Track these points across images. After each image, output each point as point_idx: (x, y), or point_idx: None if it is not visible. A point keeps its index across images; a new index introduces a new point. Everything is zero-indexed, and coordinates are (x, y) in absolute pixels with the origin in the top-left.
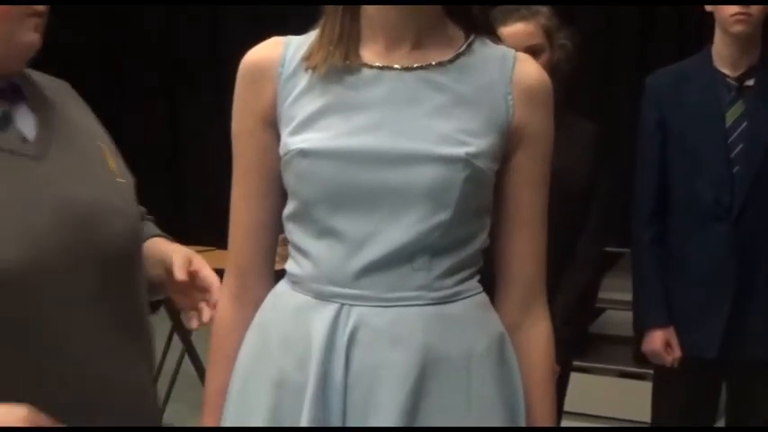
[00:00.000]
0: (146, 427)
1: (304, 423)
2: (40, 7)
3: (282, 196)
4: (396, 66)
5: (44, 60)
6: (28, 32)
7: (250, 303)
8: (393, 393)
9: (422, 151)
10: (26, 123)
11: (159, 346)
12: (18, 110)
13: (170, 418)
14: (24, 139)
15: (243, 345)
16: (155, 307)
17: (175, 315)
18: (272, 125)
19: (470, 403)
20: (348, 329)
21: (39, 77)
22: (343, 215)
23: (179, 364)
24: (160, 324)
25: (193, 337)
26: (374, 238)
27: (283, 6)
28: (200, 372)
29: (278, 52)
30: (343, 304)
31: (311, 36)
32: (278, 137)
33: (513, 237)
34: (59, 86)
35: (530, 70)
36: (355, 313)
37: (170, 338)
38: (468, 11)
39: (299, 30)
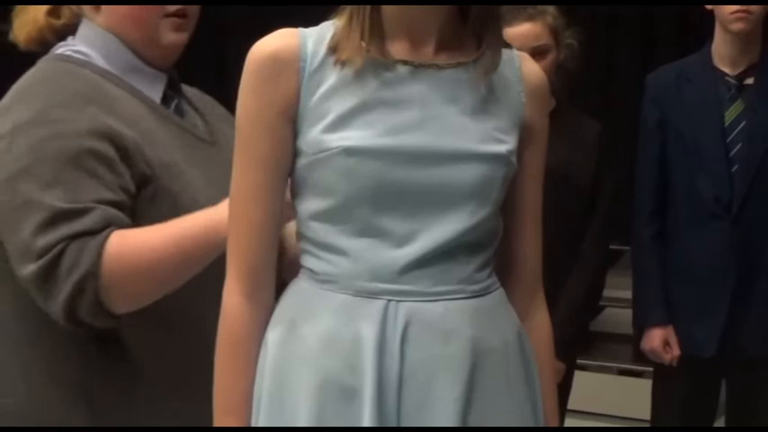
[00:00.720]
0: (151, 428)
1: (366, 424)
2: (173, 8)
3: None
4: (429, 63)
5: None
6: (168, 33)
7: (263, 303)
8: (449, 387)
9: (466, 150)
10: (190, 113)
11: None
12: (183, 104)
13: None
14: (196, 126)
15: (270, 347)
16: None
17: None
18: (290, 120)
19: (510, 391)
20: (400, 325)
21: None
22: (387, 213)
23: None
24: None
25: None
26: (419, 235)
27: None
28: None
29: (296, 43)
30: (390, 300)
31: (326, 29)
32: (294, 133)
33: (522, 229)
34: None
35: (533, 69)
36: (404, 308)
37: None
38: (485, 13)
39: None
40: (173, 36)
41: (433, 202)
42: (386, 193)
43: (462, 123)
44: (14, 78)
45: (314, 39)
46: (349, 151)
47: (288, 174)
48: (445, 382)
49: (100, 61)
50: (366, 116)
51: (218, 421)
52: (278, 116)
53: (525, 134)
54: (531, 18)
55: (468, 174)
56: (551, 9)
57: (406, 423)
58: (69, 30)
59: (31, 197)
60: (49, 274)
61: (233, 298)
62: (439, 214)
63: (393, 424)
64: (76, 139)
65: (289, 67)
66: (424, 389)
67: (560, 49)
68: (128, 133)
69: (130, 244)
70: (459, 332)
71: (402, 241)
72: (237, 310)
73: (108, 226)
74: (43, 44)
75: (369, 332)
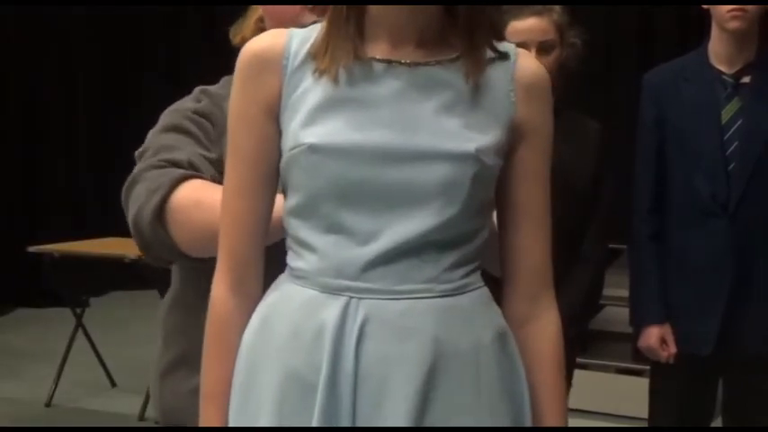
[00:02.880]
0: (151, 428)
1: (315, 417)
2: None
3: (276, 190)
4: (404, 60)
5: None
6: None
7: (248, 295)
8: (403, 386)
9: (432, 148)
10: None
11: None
12: None
13: None
14: None
15: (245, 339)
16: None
17: None
18: (274, 118)
19: (480, 395)
20: (358, 322)
21: None
22: (352, 210)
23: None
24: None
25: None
26: (383, 232)
27: None
28: None
29: (281, 43)
30: (351, 297)
31: (315, 29)
32: (279, 131)
33: (519, 230)
34: None
35: (530, 66)
36: (365, 306)
37: None
38: (473, 14)
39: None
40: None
41: (399, 201)
42: (350, 191)
43: (432, 121)
44: None
45: (299, 38)
46: (313, 148)
47: (277, 171)
48: (399, 381)
49: None
50: (334, 113)
51: (201, 407)
52: (262, 114)
53: (517, 133)
54: (538, 13)
55: (433, 172)
56: (557, 7)
57: (361, 421)
58: None
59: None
60: (130, 187)
61: (219, 288)
62: (404, 212)
63: (347, 422)
64: (182, 114)
65: (272, 66)
66: (378, 385)
67: (564, 48)
68: (221, 123)
69: (202, 195)
70: (420, 331)
71: (366, 239)
72: (222, 300)
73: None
74: None
75: (328, 328)
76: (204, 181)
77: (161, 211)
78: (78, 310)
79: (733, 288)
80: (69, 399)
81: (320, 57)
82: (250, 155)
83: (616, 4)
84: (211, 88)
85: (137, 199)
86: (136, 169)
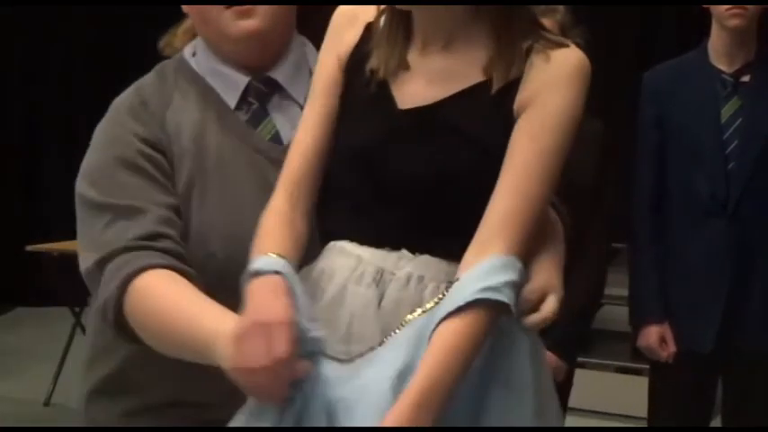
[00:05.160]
0: (150, 427)
1: None
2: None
3: None
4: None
5: None
6: (233, 23)
7: (300, 209)
8: None
9: None
10: (288, 123)
11: None
12: (281, 107)
13: None
14: (278, 139)
15: None
16: None
17: None
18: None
19: None
20: None
21: None
22: None
23: None
24: None
25: None
26: None
27: None
28: None
29: (372, 14)
30: None
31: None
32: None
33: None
34: None
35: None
36: None
37: None
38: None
39: None
40: (240, 24)
41: None
42: None
43: None
44: None
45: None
46: None
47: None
48: None
49: (192, 62)
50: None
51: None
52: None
53: (519, 112)
54: (542, 14)
55: None
56: (561, 8)
57: None
58: None
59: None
60: (94, 278)
61: (274, 202)
62: None
63: None
64: (130, 146)
65: (355, 23)
66: None
67: None
68: (174, 150)
69: (152, 295)
70: None
71: None
72: (278, 203)
73: (160, 232)
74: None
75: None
76: (150, 282)
77: (120, 316)
78: (77, 309)
79: (732, 287)
80: (68, 398)
81: (374, 54)
82: (322, 89)
83: (617, 3)
84: (148, 93)
85: (101, 293)
86: (108, 249)
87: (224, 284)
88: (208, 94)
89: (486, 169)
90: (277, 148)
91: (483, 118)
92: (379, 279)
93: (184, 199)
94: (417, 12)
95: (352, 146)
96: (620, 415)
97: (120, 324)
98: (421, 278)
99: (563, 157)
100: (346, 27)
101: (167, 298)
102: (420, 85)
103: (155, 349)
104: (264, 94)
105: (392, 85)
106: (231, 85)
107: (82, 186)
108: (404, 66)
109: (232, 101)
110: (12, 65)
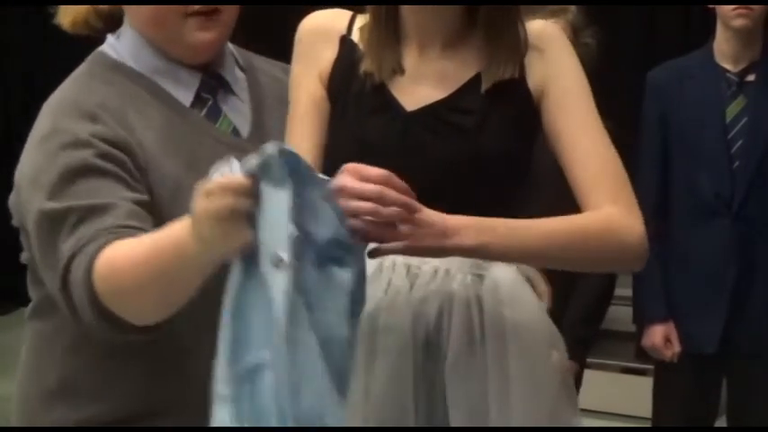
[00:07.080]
0: (144, 428)
1: None
2: (196, 7)
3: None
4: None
5: None
6: (192, 34)
7: None
8: None
9: None
10: (239, 117)
11: None
12: (227, 102)
13: None
14: (237, 133)
15: None
16: None
17: None
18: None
19: None
20: None
21: (263, 65)
22: None
23: None
24: None
25: None
26: None
27: None
28: None
29: (343, 25)
30: None
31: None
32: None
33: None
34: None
35: (533, 34)
36: None
37: None
38: (491, 17)
39: None
40: (199, 36)
41: None
42: None
43: None
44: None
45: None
46: None
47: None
48: None
49: (130, 61)
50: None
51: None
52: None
53: (539, 86)
54: (553, 14)
55: None
56: (572, 7)
57: None
58: (119, 14)
59: (45, 206)
60: (65, 287)
61: None
62: None
63: None
64: (88, 147)
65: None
66: None
67: (578, 48)
68: (136, 151)
69: (117, 263)
70: None
71: None
72: None
73: (128, 225)
74: (92, 29)
75: None
76: (108, 254)
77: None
78: None
79: (736, 286)
80: None
81: (365, 59)
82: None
83: (620, 3)
84: (96, 93)
85: (77, 301)
86: (69, 254)
87: (206, 286)
88: (158, 93)
89: (505, 161)
90: (242, 141)
91: (491, 111)
92: (406, 273)
93: (159, 199)
94: (416, 14)
95: (363, 152)
96: (624, 415)
97: (105, 314)
98: (447, 271)
99: None
100: (322, 44)
101: (130, 248)
102: (424, 87)
103: (149, 306)
104: (215, 89)
105: (392, 90)
106: (182, 83)
107: (36, 201)
108: (401, 69)
109: (186, 99)
110: (12, 64)
